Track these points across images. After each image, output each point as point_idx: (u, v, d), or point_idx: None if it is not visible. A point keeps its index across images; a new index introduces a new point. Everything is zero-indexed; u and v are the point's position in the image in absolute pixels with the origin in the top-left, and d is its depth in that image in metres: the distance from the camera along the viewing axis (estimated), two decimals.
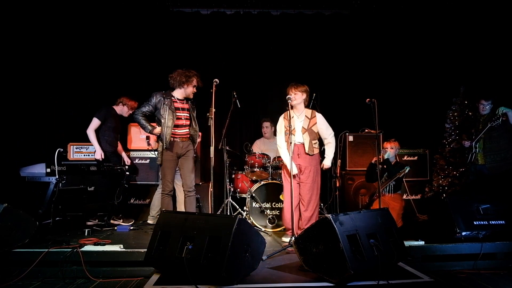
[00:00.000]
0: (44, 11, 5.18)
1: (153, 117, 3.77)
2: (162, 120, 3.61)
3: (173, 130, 3.66)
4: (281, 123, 3.75)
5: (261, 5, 5.93)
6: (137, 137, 5.12)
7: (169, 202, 3.72)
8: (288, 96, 3.51)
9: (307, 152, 3.61)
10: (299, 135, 3.64)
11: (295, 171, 3.55)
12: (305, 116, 3.68)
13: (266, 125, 5.14)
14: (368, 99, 3.66)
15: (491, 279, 2.87)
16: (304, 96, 3.65)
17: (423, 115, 5.59)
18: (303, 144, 3.62)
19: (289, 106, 3.47)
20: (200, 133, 4.11)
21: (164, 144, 3.62)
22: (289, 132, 3.44)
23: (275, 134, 5.20)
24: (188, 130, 3.79)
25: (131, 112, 4.51)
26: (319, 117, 3.70)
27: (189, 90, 3.72)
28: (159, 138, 3.71)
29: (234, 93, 4.21)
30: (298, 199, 3.69)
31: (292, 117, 3.62)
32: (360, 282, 2.41)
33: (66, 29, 5.43)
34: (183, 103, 3.77)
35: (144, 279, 2.83)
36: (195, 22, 5.98)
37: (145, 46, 5.87)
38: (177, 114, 3.69)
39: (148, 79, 5.91)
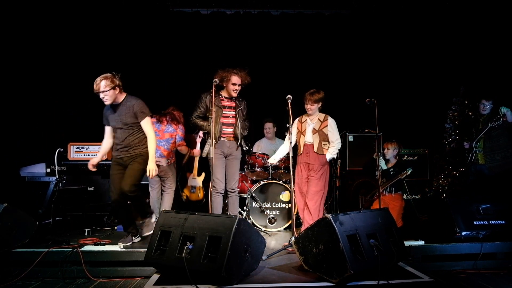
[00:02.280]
0: (45, 11, 5.18)
1: (206, 119, 3.72)
2: (210, 117, 3.54)
3: (223, 129, 3.69)
4: (295, 125, 3.92)
5: (261, 5, 5.93)
6: None
7: (218, 201, 3.66)
8: (288, 96, 3.50)
9: (315, 151, 3.74)
10: (309, 135, 3.80)
11: (272, 159, 3.99)
12: (318, 119, 3.84)
13: (269, 126, 5.13)
14: (368, 99, 3.67)
15: (491, 279, 2.87)
16: (319, 104, 3.82)
17: (423, 115, 5.59)
18: (312, 144, 3.77)
19: (289, 106, 3.48)
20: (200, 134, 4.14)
21: (214, 140, 3.55)
22: (289, 132, 3.53)
23: (276, 135, 5.24)
24: (233, 129, 3.77)
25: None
26: (331, 122, 3.84)
27: (229, 88, 3.67)
28: (208, 135, 3.70)
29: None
30: (305, 197, 3.78)
31: (305, 120, 3.87)
32: (360, 282, 2.41)
33: (66, 29, 5.43)
34: (230, 101, 3.76)
35: (144, 279, 2.84)
36: (195, 22, 5.98)
37: (145, 46, 5.87)
38: (224, 112, 3.69)
39: (148, 78, 5.92)
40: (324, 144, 3.77)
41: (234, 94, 3.71)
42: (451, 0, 5.52)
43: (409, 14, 5.76)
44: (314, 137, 3.77)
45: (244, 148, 3.93)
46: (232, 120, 3.76)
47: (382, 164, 4.29)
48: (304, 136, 3.81)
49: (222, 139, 3.70)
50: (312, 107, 3.76)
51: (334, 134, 3.81)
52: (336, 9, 6.01)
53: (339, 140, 3.84)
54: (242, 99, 3.88)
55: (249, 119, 3.96)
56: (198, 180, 4.44)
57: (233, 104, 3.77)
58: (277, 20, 6.01)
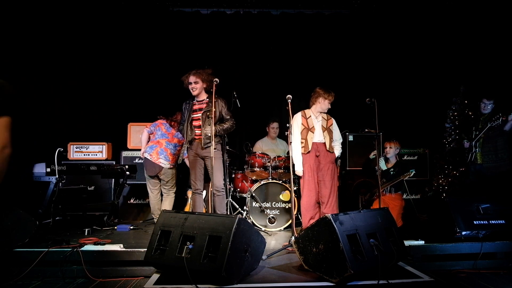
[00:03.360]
0: (45, 11, 5.18)
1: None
2: (185, 123, 3.75)
3: (195, 131, 3.74)
4: (299, 120, 3.87)
5: (261, 5, 5.93)
6: (137, 136, 5.12)
7: (197, 200, 3.78)
8: (288, 96, 3.50)
9: (328, 149, 3.77)
10: (319, 133, 3.79)
11: (299, 169, 3.76)
12: (322, 117, 3.87)
13: (276, 125, 5.14)
14: (368, 99, 3.67)
15: (491, 279, 2.87)
16: None
17: (423, 115, 5.60)
18: (324, 142, 3.78)
19: (288, 106, 3.47)
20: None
21: (187, 144, 3.75)
22: (290, 131, 3.50)
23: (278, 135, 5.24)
24: (200, 130, 3.74)
25: None
26: (334, 121, 3.95)
27: (189, 87, 3.73)
28: None
29: (234, 93, 4.21)
30: (315, 197, 3.77)
31: (310, 116, 3.86)
32: (360, 282, 2.41)
33: (66, 30, 5.43)
34: (201, 103, 3.78)
35: (144, 278, 2.83)
36: (195, 21, 5.98)
37: (145, 46, 5.87)
38: (193, 115, 3.75)
39: (148, 78, 5.92)
40: (332, 142, 3.84)
41: (193, 93, 3.74)
42: (451, 0, 5.51)
43: (409, 14, 5.76)
44: (325, 134, 3.80)
45: (215, 148, 3.63)
46: (197, 123, 3.75)
47: (382, 165, 4.29)
48: (313, 133, 3.78)
49: (195, 140, 3.74)
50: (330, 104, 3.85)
51: (338, 132, 3.92)
52: (336, 9, 6.02)
53: (341, 139, 3.97)
54: (216, 100, 3.71)
55: (233, 117, 3.82)
56: None
57: (203, 106, 3.74)
58: (277, 20, 6.02)
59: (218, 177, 3.72)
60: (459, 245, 3.15)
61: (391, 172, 4.25)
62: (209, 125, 3.64)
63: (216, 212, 3.79)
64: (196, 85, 3.70)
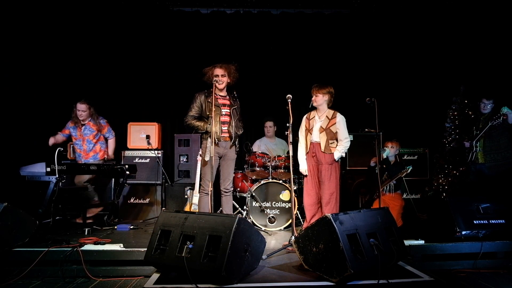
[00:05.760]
0: (45, 11, 5.18)
1: (201, 119, 3.70)
2: (210, 117, 3.51)
3: (222, 128, 3.63)
4: (303, 122, 3.92)
5: (261, 5, 5.93)
6: (137, 136, 5.13)
7: (207, 202, 3.64)
8: (288, 95, 3.50)
9: (322, 150, 3.69)
10: (316, 134, 3.74)
11: (303, 169, 3.82)
12: (326, 116, 3.77)
13: (270, 124, 5.13)
14: (368, 98, 3.67)
15: (491, 278, 2.87)
16: (327, 97, 3.75)
17: (423, 115, 5.60)
18: (319, 143, 3.72)
19: (289, 105, 3.47)
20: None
21: (215, 140, 3.54)
22: (291, 131, 3.46)
23: (276, 134, 5.24)
24: (227, 128, 3.69)
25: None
26: (340, 119, 3.75)
27: (215, 79, 3.60)
28: (203, 134, 3.65)
29: (235, 92, 4.21)
30: (316, 197, 3.76)
31: (313, 117, 3.82)
32: (360, 281, 2.41)
33: (66, 30, 5.42)
34: (224, 99, 3.70)
35: (144, 278, 2.84)
36: (195, 21, 5.98)
37: (145, 45, 5.87)
38: (221, 110, 3.65)
39: (147, 78, 5.92)
40: (331, 143, 3.70)
41: (219, 86, 3.64)
42: (451, 0, 5.51)
43: (409, 14, 5.76)
44: (321, 135, 3.71)
45: (237, 149, 3.85)
46: (226, 118, 3.70)
47: (384, 154, 4.30)
48: (311, 134, 3.75)
49: (223, 139, 3.66)
50: (317, 98, 3.70)
51: (342, 132, 3.72)
52: (336, 9, 6.02)
53: (348, 139, 3.74)
54: (236, 98, 3.84)
55: (243, 120, 3.92)
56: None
57: (227, 102, 3.72)
58: (277, 20, 6.01)
59: (231, 178, 3.78)
60: (459, 245, 3.15)
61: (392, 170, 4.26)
62: (234, 123, 3.70)
63: (222, 211, 3.81)
64: (223, 78, 3.61)
